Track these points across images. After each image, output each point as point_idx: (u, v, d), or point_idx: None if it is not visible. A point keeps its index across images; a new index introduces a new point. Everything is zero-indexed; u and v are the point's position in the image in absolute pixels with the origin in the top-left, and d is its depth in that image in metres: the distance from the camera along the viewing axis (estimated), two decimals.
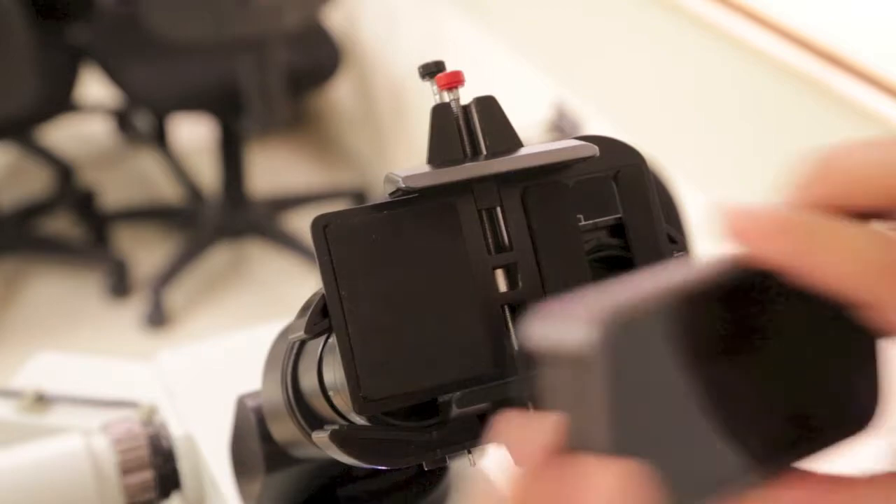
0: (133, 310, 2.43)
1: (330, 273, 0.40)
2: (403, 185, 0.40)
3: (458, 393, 0.40)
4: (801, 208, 0.32)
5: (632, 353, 0.28)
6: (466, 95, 0.44)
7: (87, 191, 2.71)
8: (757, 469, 0.30)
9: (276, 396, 0.50)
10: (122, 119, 2.98)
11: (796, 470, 0.32)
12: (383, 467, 0.41)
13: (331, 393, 0.44)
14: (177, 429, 0.73)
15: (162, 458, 0.70)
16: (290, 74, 2.27)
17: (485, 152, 0.43)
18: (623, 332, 0.28)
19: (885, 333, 0.32)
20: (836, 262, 0.31)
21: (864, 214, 0.32)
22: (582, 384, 0.28)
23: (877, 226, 0.32)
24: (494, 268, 0.42)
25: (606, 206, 0.43)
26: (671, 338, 0.29)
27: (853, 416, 0.32)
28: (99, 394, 0.79)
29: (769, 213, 0.31)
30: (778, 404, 0.31)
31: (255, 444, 0.58)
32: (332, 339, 0.42)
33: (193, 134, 2.92)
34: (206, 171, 2.77)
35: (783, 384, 0.31)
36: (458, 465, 0.65)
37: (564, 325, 0.29)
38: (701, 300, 0.30)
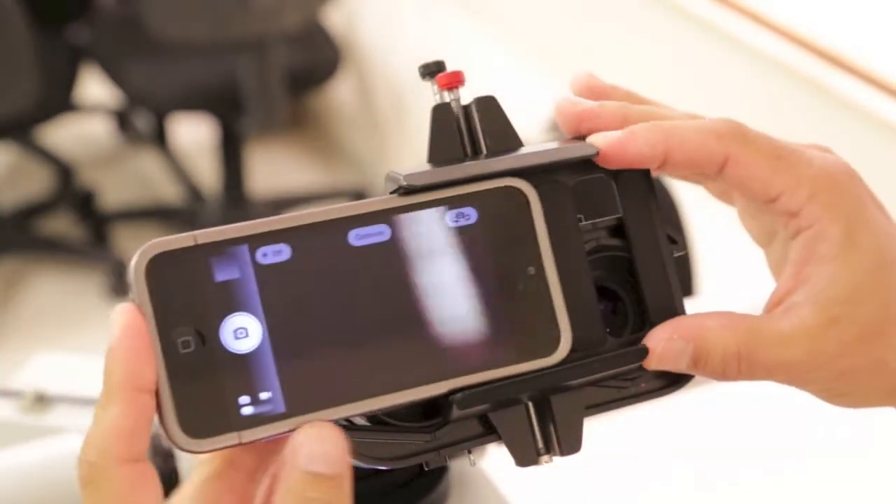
0: None
1: None
2: (405, 184, 0.40)
3: (458, 393, 0.40)
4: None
5: None
6: (467, 95, 0.44)
7: (87, 191, 2.70)
8: None
9: None
10: (122, 119, 2.98)
11: None
12: (383, 467, 0.41)
13: None
14: None
15: (161, 457, 0.70)
16: (290, 74, 2.26)
17: (485, 152, 0.43)
18: None
19: (736, 187, 0.42)
20: (688, 138, 0.41)
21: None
22: None
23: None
24: None
25: (606, 206, 0.43)
26: None
27: None
28: (99, 394, 0.79)
29: (628, 132, 0.41)
30: None
31: None
32: None
33: (193, 134, 2.92)
34: (206, 171, 2.77)
35: None
36: (458, 465, 0.65)
37: None
38: None
